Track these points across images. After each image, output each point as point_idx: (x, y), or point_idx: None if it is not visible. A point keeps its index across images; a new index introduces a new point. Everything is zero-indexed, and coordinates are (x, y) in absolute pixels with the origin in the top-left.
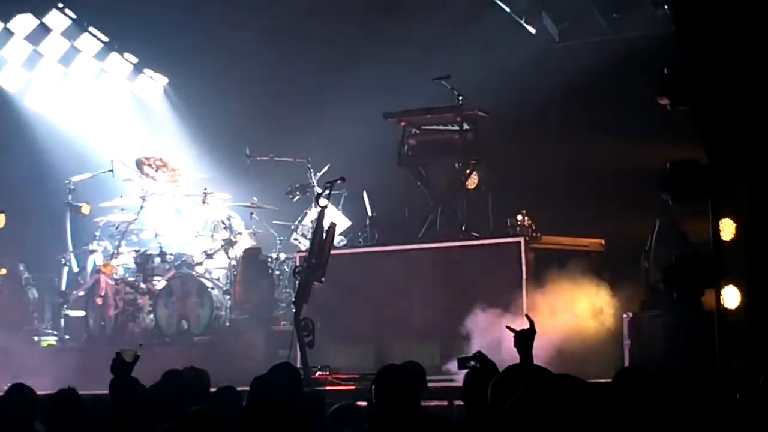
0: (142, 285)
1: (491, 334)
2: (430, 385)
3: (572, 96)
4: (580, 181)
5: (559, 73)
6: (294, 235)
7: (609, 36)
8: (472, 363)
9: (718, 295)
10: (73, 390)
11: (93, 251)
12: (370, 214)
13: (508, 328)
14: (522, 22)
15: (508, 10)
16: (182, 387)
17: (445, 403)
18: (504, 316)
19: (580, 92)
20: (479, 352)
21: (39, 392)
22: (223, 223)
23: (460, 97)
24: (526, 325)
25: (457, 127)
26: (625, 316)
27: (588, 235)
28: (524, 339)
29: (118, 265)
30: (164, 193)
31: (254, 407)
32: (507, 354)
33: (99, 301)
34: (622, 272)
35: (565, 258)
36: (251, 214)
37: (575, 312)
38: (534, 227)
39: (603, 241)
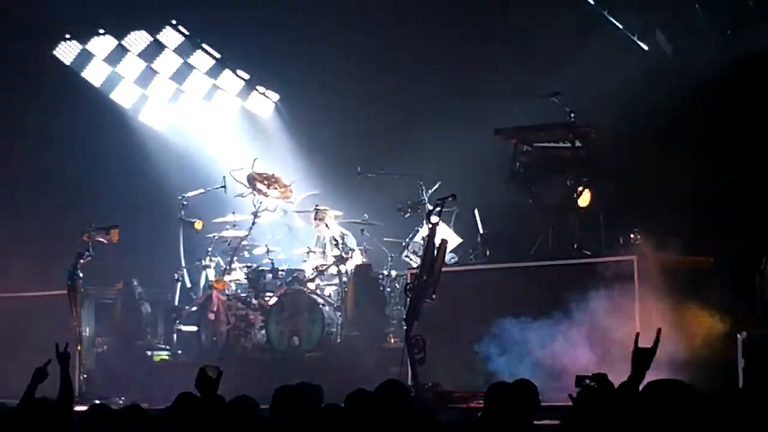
0: (254, 301)
1: (602, 351)
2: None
3: (685, 113)
4: (692, 197)
5: (671, 90)
6: (405, 252)
7: (722, 53)
8: (589, 382)
9: None
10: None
11: (206, 267)
12: (481, 231)
13: (636, 337)
14: (635, 38)
15: (620, 26)
16: (293, 403)
17: (557, 422)
18: (616, 334)
19: (693, 109)
20: (600, 374)
21: (152, 407)
22: (335, 240)
23: (572, 114)
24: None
25: (568, 144)
26: (739, 336)
27: (699, 252)
28: (643, 356)
29: (230, 281)
30: (276, 209)
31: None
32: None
33: (211, 316)
34: (736, 291)
35: (677, 276)
36: (362, 230)
37: (688, 331)
38: (646, 245)
39: (712, 259)
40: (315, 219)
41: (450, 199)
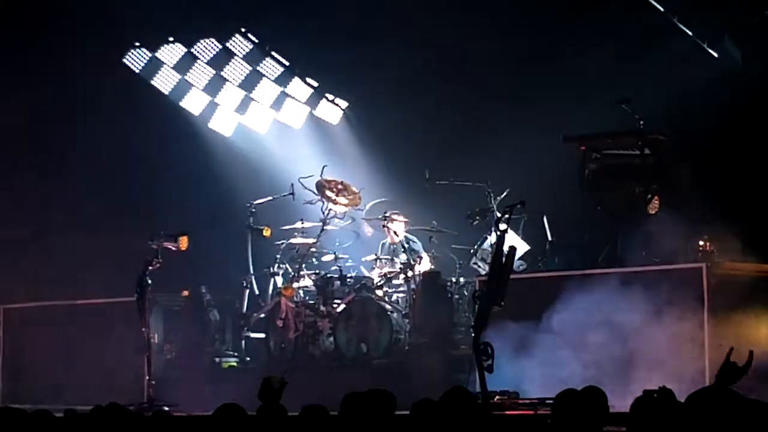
0: (322, 308)
1: (670, 362)
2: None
3: (755, 119)
4: (763, 204)
5: (741, 96)
6: (473, 259)
7: None
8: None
9: None
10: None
11: (274, 274)
12: (549, 238)
13: (729, 351)
14: (704, 45)
15: (689, 33)
16: (364, 411)
17: (624, 429)
18: (685, 344)
19: (763, 115)
20: (664, 387)
21: None
22: (403, 247)
23: (641, 121)
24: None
25: (638, 152)
26: None
27: None
28: (733, 372)
29: (298, 288)
30: (344, 216)
31: None
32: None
33: (279, 323)
34: None
35: (749, 285)
36: (430, 237)
37: (761, 343)
38: (716, 253)
39: None
40: (383, 226)
41: (518, 206)
